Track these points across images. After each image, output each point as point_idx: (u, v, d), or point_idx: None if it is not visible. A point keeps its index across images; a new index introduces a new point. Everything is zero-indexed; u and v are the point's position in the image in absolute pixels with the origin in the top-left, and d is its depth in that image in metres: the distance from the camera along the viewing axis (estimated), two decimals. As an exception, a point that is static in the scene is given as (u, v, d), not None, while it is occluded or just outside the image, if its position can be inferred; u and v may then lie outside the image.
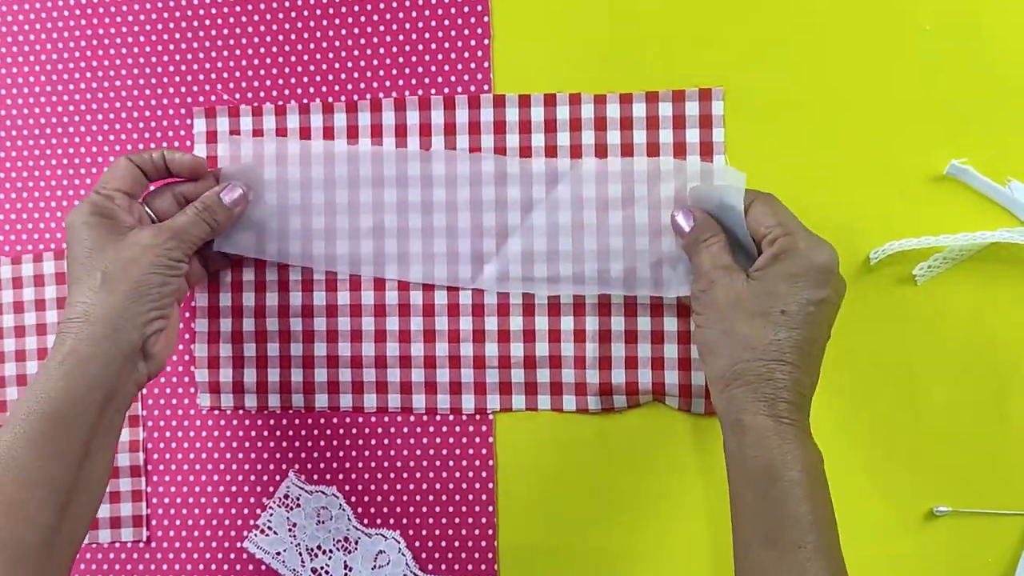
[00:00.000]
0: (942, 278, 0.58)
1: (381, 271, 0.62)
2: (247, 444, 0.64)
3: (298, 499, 0.64)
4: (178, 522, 0.65)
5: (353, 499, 0.63)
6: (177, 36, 0.65)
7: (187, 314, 0.65)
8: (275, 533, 0.64)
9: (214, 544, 0.64)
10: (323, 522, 0.63)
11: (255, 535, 0.64)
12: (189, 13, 0.64)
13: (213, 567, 0.64)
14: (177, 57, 0.65)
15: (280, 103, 0.64)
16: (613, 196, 0.60)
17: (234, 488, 0.64)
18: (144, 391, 0.65)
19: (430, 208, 0.62)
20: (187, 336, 0.65)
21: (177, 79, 0.65)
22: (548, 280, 0.61)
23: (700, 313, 0.53)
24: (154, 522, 0.65)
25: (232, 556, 0.64)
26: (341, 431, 0.63)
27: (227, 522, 0.64)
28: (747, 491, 0.49)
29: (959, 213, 0.57)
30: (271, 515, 0.64)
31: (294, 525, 0.64)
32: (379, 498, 0.63)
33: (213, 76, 0.64)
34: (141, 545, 0.65)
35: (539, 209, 0.61)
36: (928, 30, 0.58)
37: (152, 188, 0.59)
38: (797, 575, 0.46)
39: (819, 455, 0.49)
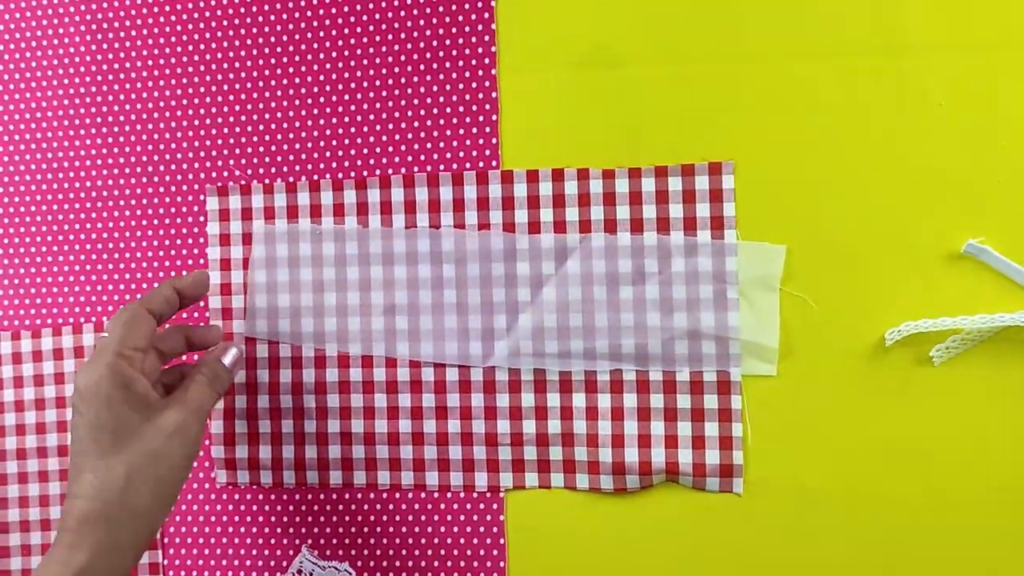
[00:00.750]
0: (960, 359, 0.56)
1: (392, 350, 0.62)
2: (261, 519, 0.64)
3: (311, 574, 0.64)
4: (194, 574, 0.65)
5: (365, 575, 0.63)
6: (190, 113, 0.65)
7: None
8: (290, 607, 0.64)
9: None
10: (337, 596, 0.64)
11: (270, 610, 0.64)
12: (202, 90, 0.65)
13: (229, 642, 0.65)
14: (190, 134, 0.65)
15: (291, 180, 0.64)
16: (623, 271, 0.60)
17: (248, 563, 0.64)
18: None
19: (440, 284, 0.62)
20: (202, 412, 0.65)
21: (191, 155, 0.65)
22: (559, 356, 0.60)
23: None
24: (171, 573, 0.65)
25: (247, 632, 0.64)
26: (354, 507, 0.63)
27: (248, 562, 0.65)
28: None
29: (977, 293, 0.56)
30: (286, 589, 0.64)
31: (308, 597, 0.64)
32: (391, 574, 0.63)
33: (226, 152, 0.65)
34: (159, 618, 0.65)
35: (549, 284, 0.60)
36: (943, 105, 0.56)
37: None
38: None
39: None
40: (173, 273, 0.66)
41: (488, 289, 0.61)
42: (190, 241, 0.65)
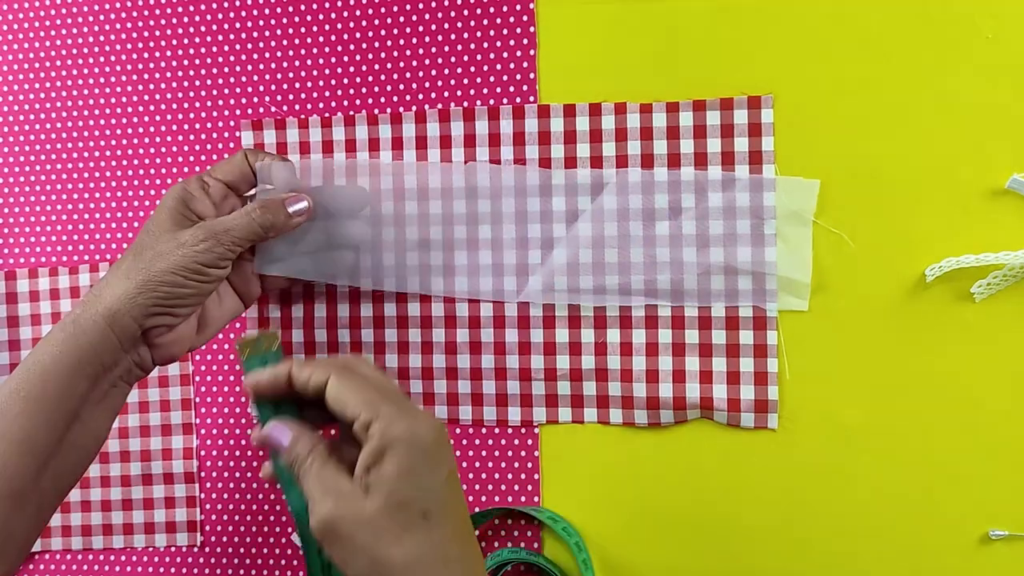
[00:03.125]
0: (1001, 296, 0.56)
1: (427, 285, 0.62)
2: (297, 453, 0.65)
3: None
4: (231, 528, 0.66)
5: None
6: (226, 49, 0.65)
7: (237, 324, 0.66)
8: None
9: (265, 550, 0.65)
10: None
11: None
12: (238, 25, 0.65)
13: (265, 572, 0.65)
14: (226, 70, 0.65)
15: (326, 115, 0.64)
16: (660, 206, 0.59)
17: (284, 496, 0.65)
18: (197, 400, 0.66)
19: (475, 219, 0.62)
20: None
21: (227, 91, 0.65)
22: (594, 292, 0.60)
23: (337, 551, 0.44)
24: (207, 528, 0.66)
25: (283, 562, 0.65)
26: (388, 441, 0.64)
27: (277, 528, 0.65)
28: None
29: (1020, 228, 0.55)
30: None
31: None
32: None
33: (261, 88, 0.65)
34: (196, 550, 0.66)
35: (584, 220, 0.60)
36: (990, 38, 0.55)
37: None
38: None
39: None
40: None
41: (523, 224, 0.61)
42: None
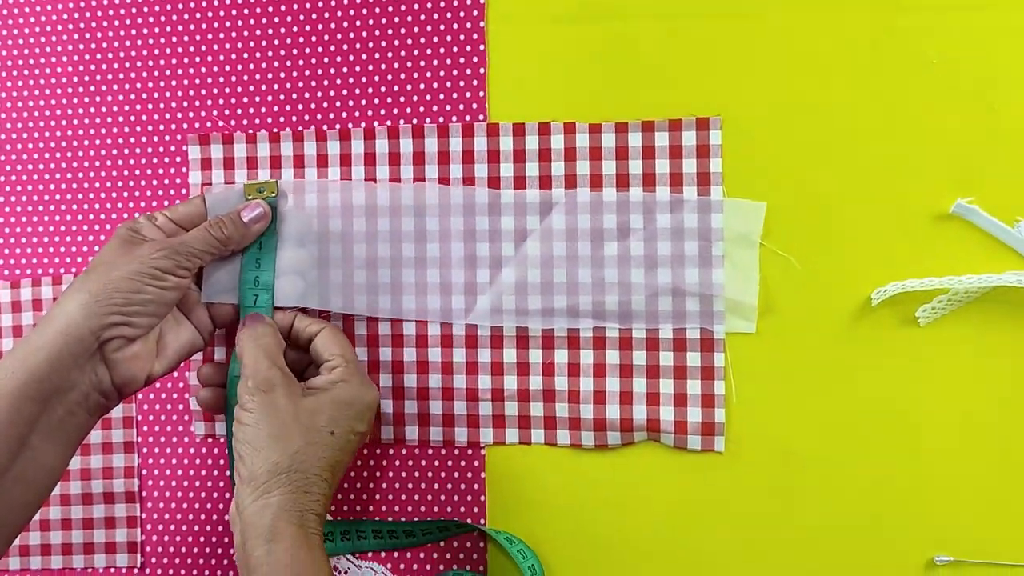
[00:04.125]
0: (946, 320, 0.56)
1: (374, 303, 0.61)
2: (240, 473, 0.64)
3: (346, 572, 0.63)
4: (171, 549, 0.65)
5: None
6: (174, 62, 0.64)
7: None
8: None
9: (207, 572, 0.64)
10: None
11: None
12: (185, 39, 0.64)
13: (206, 595, 0.64)
14: (173, 83, 0.64)
15: (275, 130, 0.63)
16: (608, 227, 0.59)
17: (227, 516, 0.64)
18: (139, 418, 0.65)
19: (423, 237, 0.61)
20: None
21: (173, 105, 0.64)
22: (542, 314, 0.60)
23: (253, 411, 0.53)
24: (148, 548, 0.65)
25: (224, 585, 0.64)
26: (333, 462, 0.63)
27: (219, 550, 0.64)
28: None
29: (964, 254, 0.55)
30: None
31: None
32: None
33: (209, 103, 0.64)
34: (136, 571, 0.65)
35: (533, 239, 0.60)
36: (935, 64, 0.56)
37: None
38: None
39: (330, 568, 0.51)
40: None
41: (471, 243, 0.61)
42: (172, 192, 0.64)
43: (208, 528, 0.64)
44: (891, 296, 0.55)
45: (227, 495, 0.64)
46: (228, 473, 0.64)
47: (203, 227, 0.56)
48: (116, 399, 0.54)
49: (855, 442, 0.57)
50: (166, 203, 0.64)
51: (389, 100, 0.62)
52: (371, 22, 0.62)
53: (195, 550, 0.64)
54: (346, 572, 0.63)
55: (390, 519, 0.62)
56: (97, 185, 0.65)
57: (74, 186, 0.66)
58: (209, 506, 0.64)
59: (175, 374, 0.65)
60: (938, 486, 0.56)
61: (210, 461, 0.64)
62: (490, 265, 0.60)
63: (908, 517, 0.57)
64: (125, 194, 0.65)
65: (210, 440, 0.64)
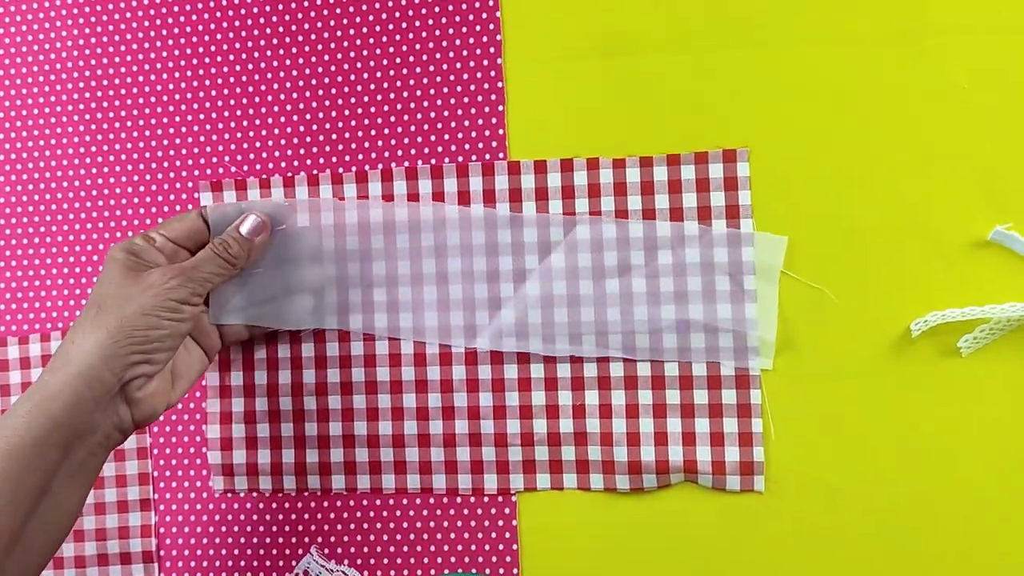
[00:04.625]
0: (988, 349, 0.54)
1: (395, 323, 0.60)
2: (262, 528, 0.62)
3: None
4: (193, 610, 0.62)
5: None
6: (183, 108, 0.63)
7: (198, 394, 0.63)
8: (293, 615, 0.61)
9: (230, 633, 0.62)
10: (342, 603, 0.61)
11: (272, 621, 0.61)
12: (195, 84, 0.63)
13: (229, 657, 0.62)
14: (183, 130, 0.63)
15: (289, 175, 0.61)
16: (636, 263, 0.58)
17: (249, 573, 0.62)
18: (155, 474, 0.63)
19: (444, 252, 0.60)
20: (198, 417, 0.63)
21: (184, 152, 0.63)
22: (570, 342, 0.58)
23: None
24: (168, 610, 0.63)
25: (249, 646, 0.62)
26: (359, 513, 0.61)
27: (243, 609, 0.62)
28: None
29: (1005, 281, 0.54)
30: (289, 597, 0.62)
31: (312, 605, 0.61)
32: (399, 584, 0.60)
33: (220, 149, 0.62)
34: (155, 634, 0.63)
35: (558, 278, 0.58)
36: (965, 88, 0.55)
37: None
38: None
39: None
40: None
41: (495, 283, 0.59)
42: (184, 240, 0.63)
43: (230, 586, 0.62)
44: (931, 327, 0.54)
45: (248, 551, 0.62)
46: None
47: (209, 249, 0.54)
48: (132, 431, 0.52)
49: (899, 478, 0.55)
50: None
51: (407, 140, 0.60)
52: (385, 62, 0.61)
53: (217, 610, 0.62)
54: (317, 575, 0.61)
55: (419, 571, 0.60)
56: (107, 236, 0.64)
57: (83, 237, 0.64)
58: (231, 563, 0.62)
59: (192, 427, 0.63)
60: (981, 523, 0.55)
61: (230, 517, 0.62)
62: (515, 292, 0.59)
63: (950, 555, 0.55)
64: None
65: (230, 495, 0.62)
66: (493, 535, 0.60)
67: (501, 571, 0.59)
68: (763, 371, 0.57)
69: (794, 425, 0.56)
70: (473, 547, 0.60)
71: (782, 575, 0.57)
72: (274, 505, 0.62)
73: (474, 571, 0.59)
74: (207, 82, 0.63)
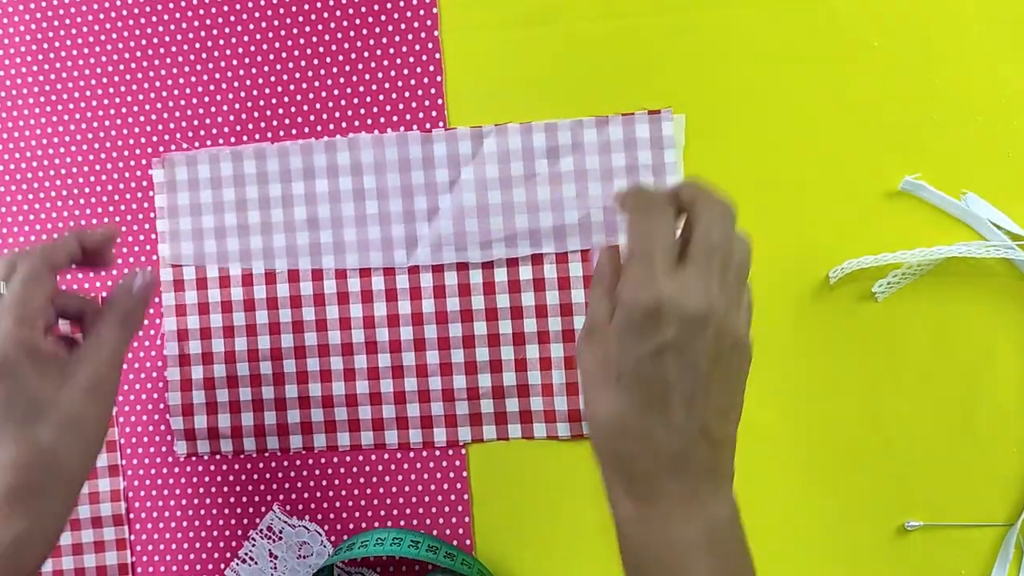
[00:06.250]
0: (902, 294, 0.57)
1: (318, 261, 0.63)
2: (225, 488, 0.65)
3: (280, 532, 0.64)
4: (163, 568, 0.65)
5: (332, 538, 0.63)
6: (134, 87, 0.65)
7: (160, 363, 0.65)
8: (255, 563, 0.64)
9: (199, 588, 0.65)
10: (304, 557, 0.64)
11: (236, 565, 0.64)
12: (145, 64, 0.65)
13: (199, 611, 0.65)
14: (135, 108, 0.65)
15: (237, 149, 0.64)
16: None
17: (215, 533, 0.65)
18: (122, 441, 0.65)
19: (361, 195, 0.63)
20: (160, 384, 0.65)
21: (136, 130, 0.65)
22: (481, 245, 0.62)
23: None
24: (139, 570, 0.66)
25: (217, 599, 0.65)
26: (317, 471, 0.64)
27: (210, 566, 0.65)
28: None
29: (916, 228, 0.57)
30: (253, 545, 0.64)
31: (275, 557, 0.64)
32: (345, 537, 0.63)
33: (172, 126, 0.65)
34: (127, 593, 0.66)
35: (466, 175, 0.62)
36: (876, 46, 0.57)
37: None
38: None
39: (724, 515, 0.43)
40: (125, 250, 0.65)
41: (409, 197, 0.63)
42: (140, 216, 0.65)
43: (198, 545, 0.65)
44: (848, 273, 0.57)
45: (213, 511, 0.65)
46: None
47: (114, 325, 0.51)
48: None
49: (821, 417, 0.59)
50: (135, 227, 0.65)
51: (350, 113, 0.63)
52: (327, 37, 0.63)
53: (185, 568, 0.65)
54: (280, 532, 0.64)
55: (376, 523, 0.63)
56: (66, 214, 0.66)
57: (32, 217, 0.66)
58: (197, 523, 0.65)
59: (155, 395, 0.65)
60: (904, 454, 0.58)
61: (195, 479, 0.65)
62: (427, 204, 0.62)
63: (877, 487, 0.58)
64: (93, 220, 0.66)
65: (193, 458, 0.65)
66: (445, 486, 0.63)
67: (454, 520, 0.62)
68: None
69: (724, 371, 0.59)
70: (427, 498, 0.63)
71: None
72: (236, 466, 0.65)
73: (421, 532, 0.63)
74: (155, 61, 0.65)
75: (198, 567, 0.65)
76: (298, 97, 0.63)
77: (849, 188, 0.58)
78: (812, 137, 0.58)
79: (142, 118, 0.65)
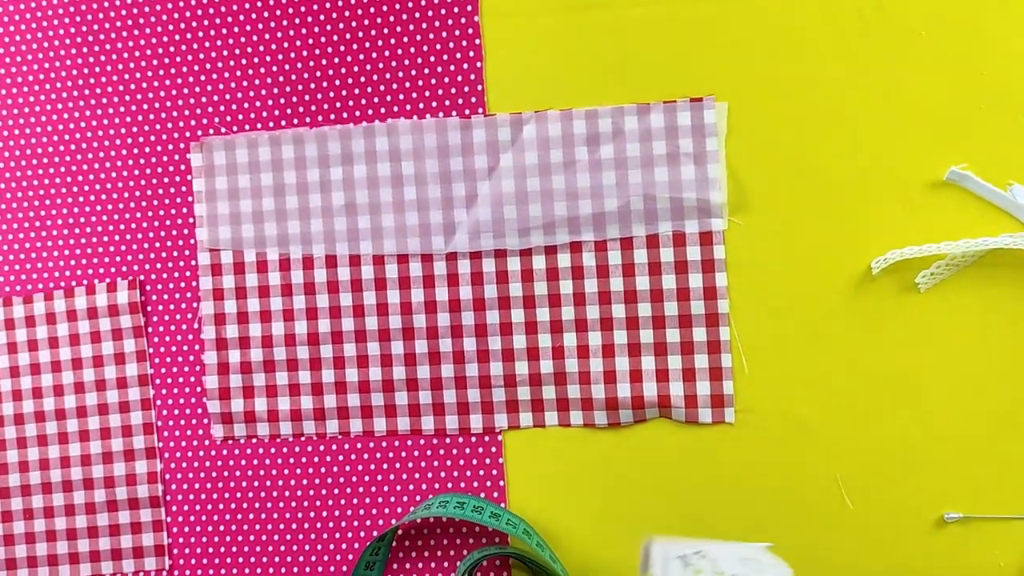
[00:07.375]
0: (945, 284, 0.57)
1: (356, 247, 0.63)
2: (262, 472, 0.65)
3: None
4: (199, 550, 0.66)
5: (368, 522, 0.64)
6: (173, 71, 0.65)
7: (197, 347, 0.66)
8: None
9: (235, 570, 0.65)
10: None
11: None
12: (183, 48, 0.65)
13: (235, 593, 0.66)
14: (174, 92, 0.65)
15: (276, 133, 0.64)
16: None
17: (251, 515, 0.65)
18: (159, 424, 0.66)
19: (400, 181, 0.63)
20: (198, 368, 0.66)
21: (175, 114, 0.65)
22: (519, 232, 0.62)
23: None
24: (175, 551, 0.66)
25: (253, 582, 0.66)
26: (353, 456, 0.64)
27: (246, 548, 0.65)
28: None
29: (960, 219, 0.57)
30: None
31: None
32: (393, 521, 0.64)
33: (210, 110, 0.65)
34: (164, 574, 0.66)
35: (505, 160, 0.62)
36: (923, 35, 0.57)
37: None
38: None
39: None
40: (163, 234, 0.66)
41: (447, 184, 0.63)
42: (178, 200, 0.65)
43: (233, 527, 0.65)
44: (891, 264, 0.57)
45: (249, 494, 0.65)
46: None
47: None
48: None
49: (862, 408, 0.58)
50: (172, 212, 0.65)
51: (388, 98, 0.63)
52: (367, 22, 0.63)
53: (222, 549, 0.66)
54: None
55: (412, 508, 0.64)
56: (104, 197, 0.66)
57: (82, 199, 0.66)
58: (233, 506, 0.65)
59: (192, 379, 0.66)
60: (944, 446, 0.58)
61: (231, 462, 0.65)
62: (466, 191, 0.62)
63: (917, 478, 0.58)
64: (132, 204, 0.66)
65: (230, 442, 0.65)
66: (481, 472, 0.63)
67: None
68: (732, 310, 0.59)
69: (763, 361, 0.59)
70: (462, 484, 0.63)
71: (751, 503, 0.60)
72: (272, 450, 0.65)
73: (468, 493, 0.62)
74: (195, 45, 0.65)
75: (234, 549, 0.65)
76: (337, 82, 0.63)
77: (893, 178, 0.57)
78: (856, 126, 0.58)
79: (180, 102, 0.65)
